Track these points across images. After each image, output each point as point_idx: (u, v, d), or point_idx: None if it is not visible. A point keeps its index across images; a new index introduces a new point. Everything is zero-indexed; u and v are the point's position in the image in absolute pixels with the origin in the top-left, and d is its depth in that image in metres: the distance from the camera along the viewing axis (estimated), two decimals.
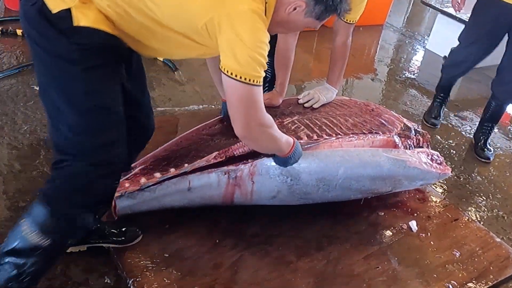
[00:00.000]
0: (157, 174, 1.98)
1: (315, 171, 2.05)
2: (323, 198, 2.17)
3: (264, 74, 1.58)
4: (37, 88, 2.87)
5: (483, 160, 3.18)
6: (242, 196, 2.06)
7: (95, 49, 1.48)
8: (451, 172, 2.45)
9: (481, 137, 3.25)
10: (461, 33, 3.29)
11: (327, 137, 2.18)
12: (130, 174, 2.13)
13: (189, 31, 1.57)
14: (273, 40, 2.69)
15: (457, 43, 3.91)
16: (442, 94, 3.54)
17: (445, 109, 3.62)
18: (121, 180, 2.11)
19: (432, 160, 2.33)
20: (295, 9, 1.63)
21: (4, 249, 1.56)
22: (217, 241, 2.08)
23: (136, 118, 1.79)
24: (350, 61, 2.69)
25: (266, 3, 1.58)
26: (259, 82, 1.56)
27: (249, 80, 1.53)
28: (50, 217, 1.56)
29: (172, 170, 2.00)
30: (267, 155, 1.99)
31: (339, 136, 2.23)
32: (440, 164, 2.34)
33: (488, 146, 3.24)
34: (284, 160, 1.95)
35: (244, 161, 2.02)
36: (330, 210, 2.26)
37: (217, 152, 2.05)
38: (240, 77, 1.52)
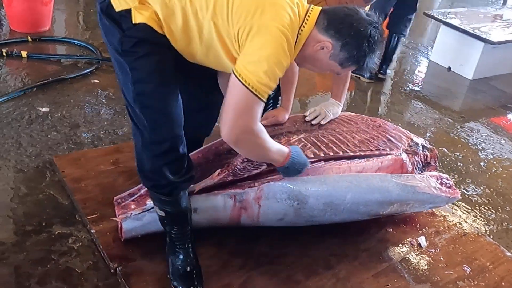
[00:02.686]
0: None
1: (323, 196, 2.04)
2: (330, 220, 2.15)
3: (270, 92, 1.63)
4: (42, 110, 2.93)
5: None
6: (248, 219, 2.05)
7: (147, 42, 1.63)
8: (459, 192, 2.43)
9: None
10: None
11: (333, 155, 2.17)
12: (136, 195, 2.13)
13: (226, 36, 1.65)
14: None
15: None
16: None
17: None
18: (127, 202, 2.11)
19: (441, 184, 2.30)
20: (322, 48, 1.70)
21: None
22: (225, 262, 2.06)
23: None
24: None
25: (299, 34, 1.68)
26: (264, 98, 1.61)
27: (256, 91, 1.58)
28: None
29: None
30: (274, 178, 1.99)
31: (346, 153, 2.22)
32: (449, 187, 2.31)
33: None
34: (282, 170, 1.96)
35: (251, 185, 2.01)
36: (338, 227, 2.23)
37: (220, 169, 2.05)
38: (249, 84, 1.57)
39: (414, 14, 4.17)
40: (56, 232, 2.10)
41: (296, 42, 1.68)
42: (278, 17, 1.60)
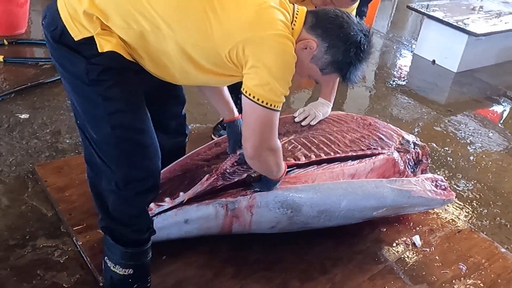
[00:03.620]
0: (152, 206, 1.90)
1: (317, 204, 1.99)
2: (324, 226, 2.11)
3: (284, 99, 1.57)
4: (21, 116, 2.83)
5: None
6: (240, 227, 2.00)
7: (114, 70, 1.50)
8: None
9: None
10: None
11: (325, 157, 2.13)
12: None
13: (213, 65, 1.55)
14: None
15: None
16: None
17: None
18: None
19: (436, 186, 2.26)
20: (305, 48, 1.59)
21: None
22: (218, 270, 2.00)
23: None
24: None
25: (292, 29, 1.58)
26: (279, 107, 1.56)
27: (270, 105, 1.53)
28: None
29: (167, 199, 1.94)
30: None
31: (338, 154, 2.18)
32: (444, 189, 2.27)
33: None
34: (273, 183, 1.91)
35: (242, 193, 1.95)
36: (332, 230, 2.18)
37: (209, 174, 1.99)
38: (262, 101, 1.51)
39: None
40: (41, 245, 2.02)
41: None
42: (271, 24, 1.51)
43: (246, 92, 1.52)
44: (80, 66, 1.49)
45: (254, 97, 1.51)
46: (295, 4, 1.65)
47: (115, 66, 1.50)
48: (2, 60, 3.40)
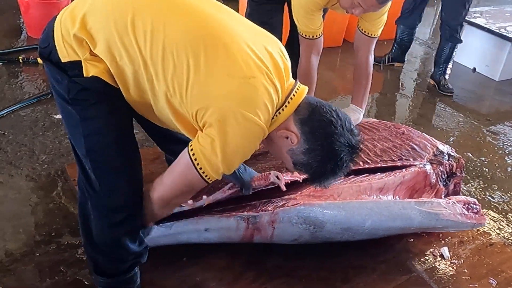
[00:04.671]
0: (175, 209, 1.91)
1: (340, 222, 1.94)
2: (347, 240, 2.06)
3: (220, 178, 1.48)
4: (56, 117, 2.90)
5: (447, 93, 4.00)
6: (262, 239, 1.98)
7: (96, 91, 1.43)
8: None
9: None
10: None
11: (353, 167, 2.09)
12: None
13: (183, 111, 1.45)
14: (295, 57, 2.63)
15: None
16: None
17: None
18: None
19: (468, 209, 2.14)
20: (287, 137, 1.49)
21: None
22: (238, 273, 1.99)
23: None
24: (374, 76, 2.59)
25: (275, 116, 1.46)
26: (210, 181, 1.47)
27: (205, 175, 1.44)
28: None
29: (190, 201, 1.93)
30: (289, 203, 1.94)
31: (367, 164, 2.14)
32: (476, 213, 2.15)
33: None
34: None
35: (264, 209, 1.93)
36: None
37: (232, 183, 1.98)
38: (200, 168, 1.42)
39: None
40: (66, 243, 2.06)
41: (271, 122, 1.46)
42: (250, 105, 1.37)
43: (191, 150, 1.42)
44: (63, 83, 1.43)
45: (196, 159, 1.41)
46: (297, 82, 1.53)
47: (98, 88, 1.43)
48: (42, 62, 3.48)
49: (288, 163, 1.56)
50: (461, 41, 4.07)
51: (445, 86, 4.07)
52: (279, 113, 1.46)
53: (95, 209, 1.59)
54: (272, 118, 1.45)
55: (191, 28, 1.39)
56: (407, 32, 4.30)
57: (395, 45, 4.43)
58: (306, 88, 1.53)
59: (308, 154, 1.48)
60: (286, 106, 1.46)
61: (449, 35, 3.93)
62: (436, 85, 4.13)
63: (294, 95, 1.48)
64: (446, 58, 4.07)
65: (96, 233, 1.62)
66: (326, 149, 1.47)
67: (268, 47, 1.45)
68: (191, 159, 1.43)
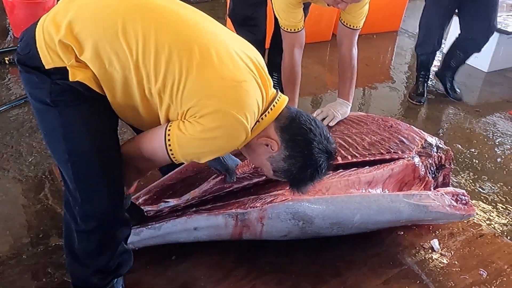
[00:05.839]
0: (162, 204, 1.91)
1: (329, 217, 1.93)
2: (337, 235, 2.06)
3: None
4: None
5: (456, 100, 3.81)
6: (251, 235, 1.96)
7: (79, 92, 1.40)
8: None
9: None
10: (423, 13, 3.67)
11: (341, 161, 2.11)
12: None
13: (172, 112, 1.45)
14: (280, 50, 2.62)
15: None
16: (422, 73, 3.84)
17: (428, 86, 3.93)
18: None
19: (457, 201, 2.14)
20: (267, 145, 1.53)
21: None
22: (228, 270, 1.99)
23: None
24: (364, 70, 2.58)
25: (258, 122, 1.49)
26: (177, 162, 1.48)
27: (173, 156, 1.45)
28: None
29: (176, 199, 1.93)
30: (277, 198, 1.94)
31: (355, 157, 2.14)
32: (465, 204, 2.15)
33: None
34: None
35: (252, 205, 1.92)
36: None
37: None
38: (171, 150, 1.43)
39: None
40: (53, 244, 2.05)
41: (252, 129, 1.47)
42: (241, 108, 1.40)
43: (169, 131, 1.42)
44: (44, 87, 1.40)
45: (169, 140, 1.42)
46: (278, 91, 1.57)
47: (82, 91, 1.40)
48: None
49: (268, 170, 1.59)
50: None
51: (456, 92, 3.89)
52: (262, 118, 1.50)
53: (70, 215, 1.59)
54: (254, 124, 1.48)
55: (182, 32, 1.41)
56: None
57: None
58: (287, 98, 1.58)
59: (288, 161, 1.53)
60: (268, 112, 1.51)
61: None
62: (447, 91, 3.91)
63: (276, 102, 1.53)
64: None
65: (79, 241, 1.62)
66: (305, 156, 1.52)
67: (250, 54, 1.50)
68: (165, 141, 1.43)
